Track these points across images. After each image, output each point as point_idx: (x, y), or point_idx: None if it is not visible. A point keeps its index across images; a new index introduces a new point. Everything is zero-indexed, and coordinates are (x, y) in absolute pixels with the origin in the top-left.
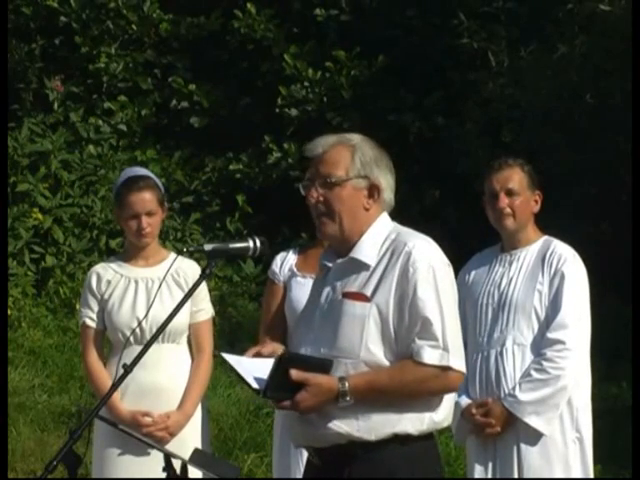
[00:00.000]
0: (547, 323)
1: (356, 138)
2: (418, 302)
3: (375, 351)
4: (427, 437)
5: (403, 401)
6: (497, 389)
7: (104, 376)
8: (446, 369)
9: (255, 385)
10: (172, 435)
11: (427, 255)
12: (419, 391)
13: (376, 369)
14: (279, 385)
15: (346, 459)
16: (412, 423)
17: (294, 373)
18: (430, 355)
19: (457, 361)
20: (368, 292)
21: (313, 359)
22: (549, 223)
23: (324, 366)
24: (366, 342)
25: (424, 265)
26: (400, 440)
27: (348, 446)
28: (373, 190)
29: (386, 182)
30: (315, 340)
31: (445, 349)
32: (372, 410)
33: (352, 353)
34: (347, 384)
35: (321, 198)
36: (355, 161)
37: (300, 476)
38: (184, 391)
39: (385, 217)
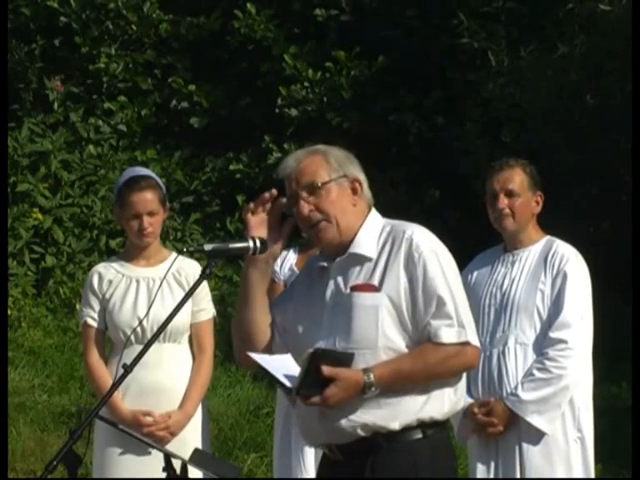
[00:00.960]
0: (549, 322)
1: (321, 146)
2: (429, 283)
3: (394, 338)
4: (443, 423)
5: (426, 385)
6: (499, 388)
7: (105, 376)
8: (465, 345)
9: (288, 384)
10: (173, 435)
11: (427, 239)
12: (442, 371)
13: (397, 356)
14: (311, 382)
15: (368, 451)
16: (434, 406)
17: (326, 369)
18: (448, 334)
19: (473, 336)
20: (375, 283)
21: (337, 353)
22: (549, 223)
23: (346, 359)
24: (383, 330)
25: (427, 248)
26: (423, 426)
27: (372, 438)
28: (355, 185)
29: (362, 177)
30: (328, 337)
31: (460, 325)
32: (394, 397)
33: (370, 343)
34: (372, 375)
35: (312, 207)
36: (331, 163)
37: (300, 476)
38: (185, 391)
39: (375, 213)
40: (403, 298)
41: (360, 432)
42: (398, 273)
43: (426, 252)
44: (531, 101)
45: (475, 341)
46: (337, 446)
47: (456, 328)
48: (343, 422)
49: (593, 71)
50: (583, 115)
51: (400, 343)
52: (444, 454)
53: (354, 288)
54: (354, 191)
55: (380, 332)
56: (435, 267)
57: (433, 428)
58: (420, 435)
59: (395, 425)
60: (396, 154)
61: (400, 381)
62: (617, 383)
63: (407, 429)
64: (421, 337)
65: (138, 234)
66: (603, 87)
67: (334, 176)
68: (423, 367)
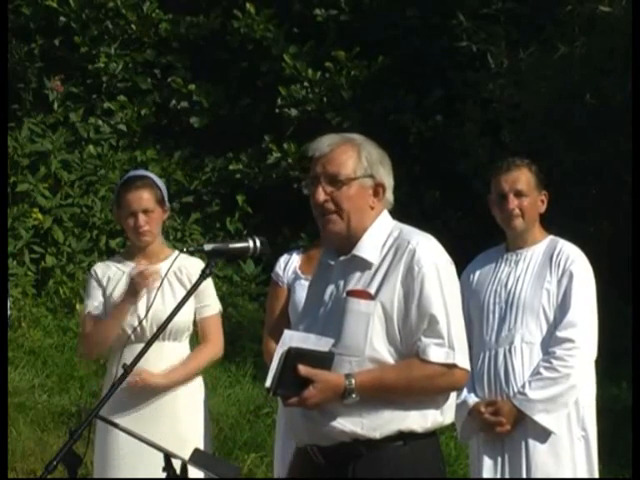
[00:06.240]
0: (556, 322)
1: (358, 137)
2: (424, 300)
3: (380, 349)
4: (430, 435)
5: (409, 399)
6: (506, 387)
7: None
8: (452, 367)
9: (267, 383)
10: (144, 383)
11: (431, 253)
12: (425, 389)
13: (382, 366)
14: (288, 382)
15: (350, 457)
16: (417, 421)
17: (302, 369)
18: (436, 353)
19: (462, 358)
20: (372, 290)
21: (316, 353)
22: (549, 223)
23: (326, 360)
24: (371, 340)
25: (429, 263)
26: (404, 437)
27: (352, 444)
28: (378, 189)
29: (389, 182)
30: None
31: (451, 347)
32: (377, 408)
33: (357, 351)
34: (354, 381)
35: (329, 197)
36: (362, 160)
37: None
38: (179, 363)
39: (386, 215)
40: (396, 309)
41: (341, 437)
42: (395, 283)
43: (427, 267)
44: (531, 101)
45: (464, 364)
46: (319, 449)
47: (445, 349)
48: (324, 426)
49: (593, 72)
50: (583, 115)
51: (386, 355)
52: (429, 460)
53: (350, 293)
54: (375, 194)
55: (368, 342)
56: (433, 284)
57: (415, 439)
58: (401, 443)
59: (376, 434)
60: (396, 154)
61: (381, 391)
62: (617, 383)
63: (388, 439)
64: (409, 352)
65: (135, 232)
66: (603, 87)
67: (360, 174)
68: (406, 381)
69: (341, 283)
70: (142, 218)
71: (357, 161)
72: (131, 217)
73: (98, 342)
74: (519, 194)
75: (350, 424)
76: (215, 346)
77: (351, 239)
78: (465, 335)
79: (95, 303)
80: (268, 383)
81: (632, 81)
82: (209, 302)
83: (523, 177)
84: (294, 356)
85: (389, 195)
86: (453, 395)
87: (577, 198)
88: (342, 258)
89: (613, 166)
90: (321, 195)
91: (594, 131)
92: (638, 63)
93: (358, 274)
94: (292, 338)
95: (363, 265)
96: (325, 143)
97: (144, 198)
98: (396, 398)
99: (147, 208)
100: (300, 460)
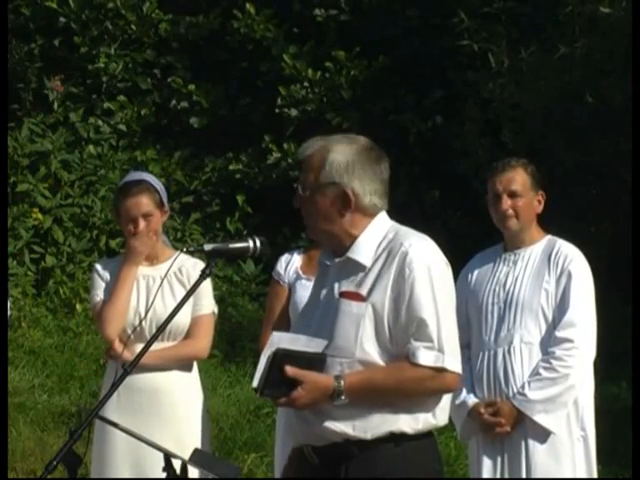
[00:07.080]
0: (555, 322)
1: (333, 141)
2: (414, 303)
3: (370, 351)
4: (424, 435)
5: (400, 401)
6: (505, 387)
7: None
8: (441, 370)
9: (254, 383)
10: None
11: (424, 255)
12: (415, 391)
13: (372, 368)
14: (275, 382)
15: (343, 458)
16: (408, 423)
17: (289, 370)
18: (425, 356)
19: (452, 362)
20: (364, 292)
21: (306, 354)
22: (550, 223)
23: (317, 361)
24: (361, 342)
25: (420, 265)
26: (395, 439)
27: (345, 445)
28: (347, 197)
29: (362, 187)
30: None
31: (440, 350)
32: (368, 409)
33: (348, 352)
34: (343, 383)
35: (301, 203)
36: (325, 167)
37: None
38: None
39: (383, 217)
40: (387, 310)
41: (333, 438)
42: (387, 285)
43: (418, 269)
44: (531, 102)
45: (454, 367)
46: (313, 449)
47: (435, 352)
48: (317, 427)
49: (593, 72)
50: (583, 115)
51: (377, 358)
52: (423, 460)
53: (342, 294)
54: (344, 202)
55: (358, 343)
56: (424, 287)
57: (407, 440)
58: (393, 444)
59: (367, 436)
60: (396, 154)
61: (370, 392)
62: (617, 383)
63: (379, 440)
64: (400, 354)
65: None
66: (603, 88)
67: (323, 181)
68: (396, 383)
69: (335, 285)
70: (142, 224)
71: (320, 168)
72: (130, 224)
73: (113, 315)
74: (513, 194)
75: (342, 425)
76: (198, 343)
77: (340, 242)
78: (457, 338)
79: (102, 291)
80: (255, 384)
81: (632, 82)
82: (203, 301)
83: (518, 177)
84: (281, 357)
85: (368, 200)
86: (446, 397)
87: (577, 198)
88: (337, 260)
89: (613, 166)
90: (296, 199)
91: (594, 131)
92: (638, 64)
93: (351, 276)
94: (281, 339)
95: (357, 267)
96: (306, 147)
97: (143, 203)
98: (387, 400)
99: (146, 212)
100: (296, 460)
